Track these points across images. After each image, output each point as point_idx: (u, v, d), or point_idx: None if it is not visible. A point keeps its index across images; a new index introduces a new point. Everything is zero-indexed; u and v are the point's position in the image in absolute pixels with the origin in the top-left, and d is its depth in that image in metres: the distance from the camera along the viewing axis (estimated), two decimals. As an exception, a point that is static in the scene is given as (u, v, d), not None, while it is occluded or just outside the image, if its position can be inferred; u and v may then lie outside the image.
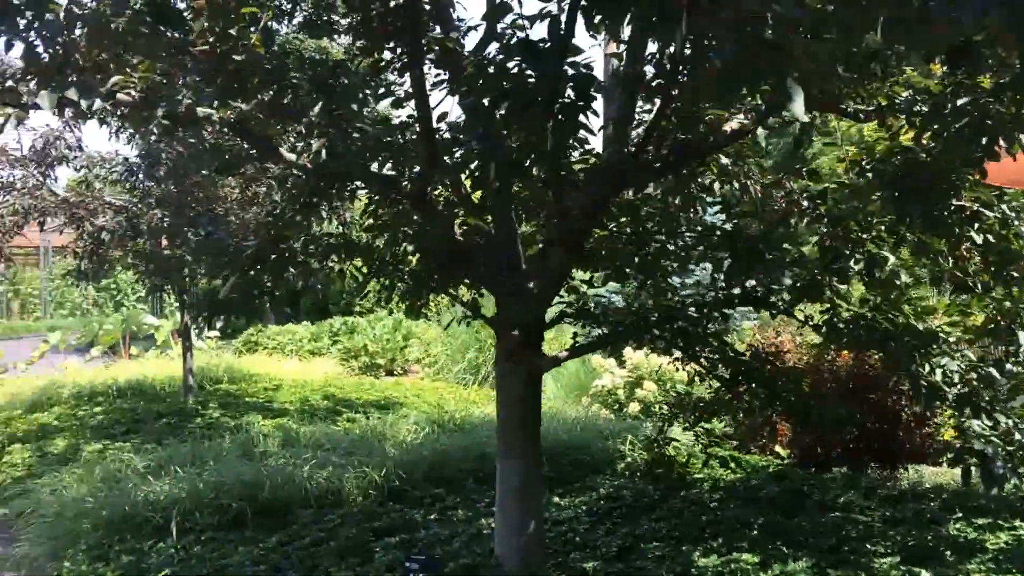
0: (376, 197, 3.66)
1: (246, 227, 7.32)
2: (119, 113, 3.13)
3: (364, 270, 3.90)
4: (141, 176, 6.96)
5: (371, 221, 4.06)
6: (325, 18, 4.20)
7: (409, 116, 3.26)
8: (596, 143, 5.68)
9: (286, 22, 4.54)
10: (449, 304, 14.44)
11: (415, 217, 3.84)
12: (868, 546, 4.64)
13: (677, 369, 7.83)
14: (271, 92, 3.28)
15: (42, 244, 24.34)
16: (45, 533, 4.91)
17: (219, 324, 3.86)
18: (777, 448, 6.77)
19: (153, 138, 6.76)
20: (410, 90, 3.13)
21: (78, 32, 3.02)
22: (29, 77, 2.90)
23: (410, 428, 6.91)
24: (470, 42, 5.36)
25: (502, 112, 2.87)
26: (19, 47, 2.99)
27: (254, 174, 7.64)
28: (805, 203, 4.03)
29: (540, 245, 4.21)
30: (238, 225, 7.35)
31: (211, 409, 8.20)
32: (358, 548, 4.49)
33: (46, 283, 24.34)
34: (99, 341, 12.11)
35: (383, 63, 3.09)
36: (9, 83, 2.90)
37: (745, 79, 1.82)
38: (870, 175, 3.73)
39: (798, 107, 1.79)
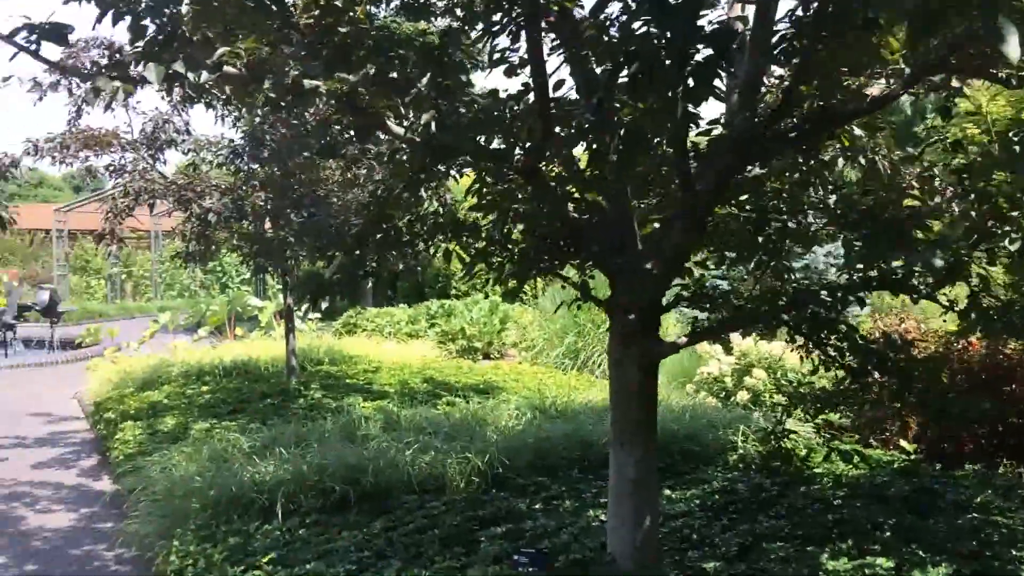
0: (484, 173, 3.48)
1: (347, 209, 7.29)
2: (225, 89, 3.01)
3: (472, 250, 3.73)
4: (245, 158, 7.00)
5: (476, 200, 3.89)
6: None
7: (524, 84, 3.07)
8: (709, 113, 5.37)
9: (383, 5, 4.41)
10: (545, 287, 14.31)
11: (525, 194, 3.66)
12: (1013, 552, 4.24)
13: (794, 358, 7.48)
14: (378, 64, 3.13)
15: (153, 228, 25.26)
16: (155, 511, 4.96)
17: (324, 306, 3.76)
18: (902, 442, 6.35)
19: (257, 119, 6.78)
20: (525, 56, 2.94)
21: (184, 7, 2.94)
22: (136, 50, 2.82)
23: (511, 413, 6.77)
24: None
25: (624, 78, 2.64)
26: (126, 21, 2.92)
27: (355, 155, 7.61)
28: (939, 179, 3.67)
29: (655, 224, 3.97)
30: (339, 207, 7.32)
31: (313, 390, 8.25)
32: (463, 537, 4.36)
33: (157, 265, 25.28)
34: (206, 322, 12.42)
35: (495, 27, 2.90)
36: (117, 57, 2.82)
37: (942, 19, 1.55)
38: (1017, 147, 3.35)
39: (1012, 48, 1.51)
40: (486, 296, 14.98)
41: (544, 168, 3.46)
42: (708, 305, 3.88)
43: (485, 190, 3.85)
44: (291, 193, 7.28)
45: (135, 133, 7.51)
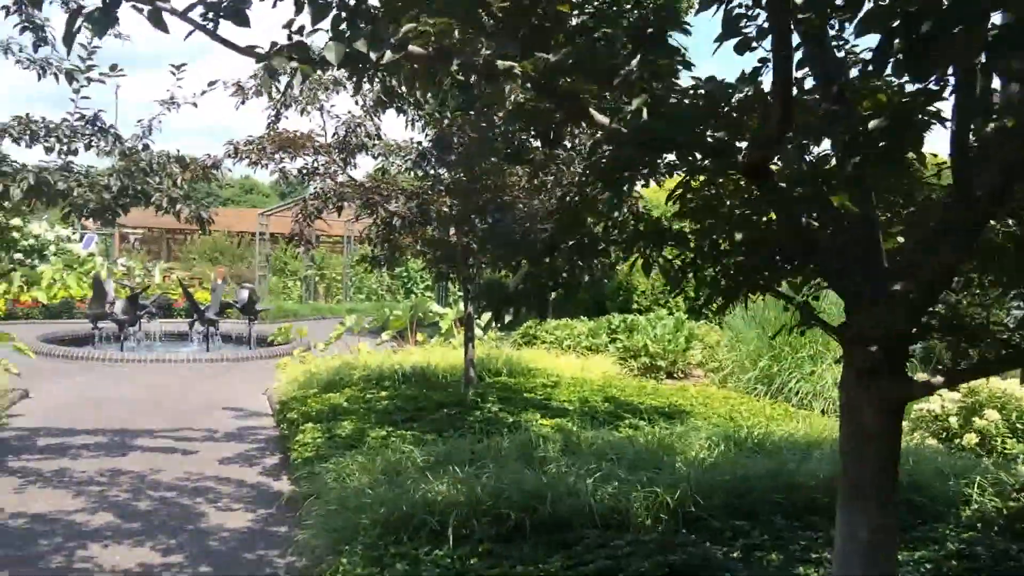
0: (695, 172, 2.97)
1: (533, 216, 6.95)
2: (413, 84, 2.68)
3: (678, 262, 3.22)
4: (432, 162, 6.84)
5: (678, 205, 3.39)
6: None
7: (760, 60, 2.55)
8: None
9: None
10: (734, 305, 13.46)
11: (741, 198, 3.11)
12: None
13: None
14: (581, 45, 2.70)
15: (346, 232, 26.31)
16: (327, 523, 4.77)
17: (507, 318, 3.38)
18: None
19: (446, 121, 6.59)
20: (765, 24, 2.42)
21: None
22: (315, 30, 2.54)
23: (702, 443, 6.17)
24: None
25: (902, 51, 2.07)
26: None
27: (542, 161, 7.27)
28: None
29: (898, 238, 3.31)
30: (525, 214, 6.99)
31: (490, 403, 7.98)
32: (651, 587, 3.85)
33: (347, 269, 26.28)
34: (389, 326, 12.56)
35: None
36: (297, 38, 2.55)
37: None
38: None
39: None
40: (670, 312, 14.31)
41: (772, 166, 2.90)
42: (970, 336, 3.17)
43: (691, 195, 3.34)
44: (476, 199, 7.04)
45: (328, 137, 7.54)
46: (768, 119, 2.51)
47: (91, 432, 8.61)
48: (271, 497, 6.47)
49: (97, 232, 36.16)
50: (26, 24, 6.19)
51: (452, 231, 7.40)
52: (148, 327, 16.08)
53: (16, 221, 20.61)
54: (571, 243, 3.34)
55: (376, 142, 7.80)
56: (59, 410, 9.72)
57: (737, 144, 2.81)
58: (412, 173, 7.91)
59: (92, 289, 15.33)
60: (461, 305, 13.52)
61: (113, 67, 6.71)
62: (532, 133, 7.42)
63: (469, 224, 6.90)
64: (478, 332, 13.26)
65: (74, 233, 24.15)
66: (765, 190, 2.76)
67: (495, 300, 3.28)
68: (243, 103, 7.62)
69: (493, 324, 4.24)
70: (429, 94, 6.58)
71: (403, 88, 7.07)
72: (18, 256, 20.20)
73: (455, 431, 6.94)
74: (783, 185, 2.86)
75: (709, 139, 2.69)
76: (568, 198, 4.02)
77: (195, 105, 7.59)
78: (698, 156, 2.78)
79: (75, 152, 7.07)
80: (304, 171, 7.11)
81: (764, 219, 3.09)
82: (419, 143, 7.67)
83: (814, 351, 9.93)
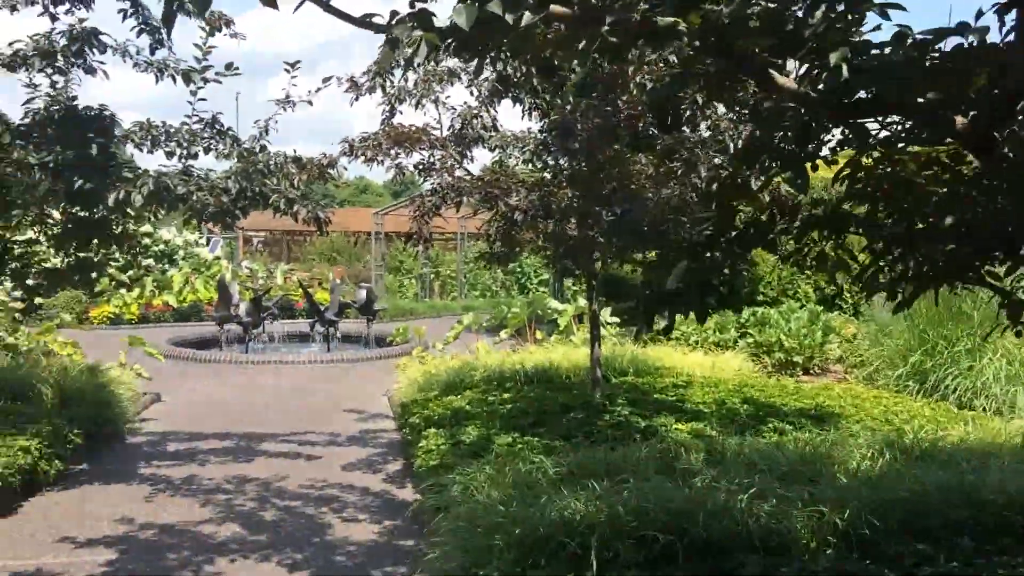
0: (909, 140, 2.45)
1: (663, 206, 6.46)
2: (543, 41, 2.27)
3: (870, 251, 2.71)
4: (552, 151, 6.43)
5: (857, 184, 2.86)
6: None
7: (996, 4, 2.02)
8: None
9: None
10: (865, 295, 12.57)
11: (948, 172, 2.57)
12: None
13: None
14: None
15: (460, 230, 26.26)
16: (457, 542, 4.44)
17: (663, 324, 2.93)
18: None
19: (568, 106, 6.18)
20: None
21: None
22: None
23: (862, 451, 5.55)
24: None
25: None
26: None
27: (671, 147, 6.77)
28: None
29: None
30: (654, 204, 6.51)
31: (619, 405, 7.53)
32: (829, 627, 3.34)
33: (462, 266, 26.25)
34: (507, 324, 12.27)
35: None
36: (420, 5, 2.18)
37: None
38: None
39: None
40: (800, 303, 13.48)
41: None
42: None
43: (865, 173, 2.82)
44: (599, 189, 6.60)
45: (444, 131, 7.25)
46: (1005, 76, 1.98)
47: (218, 436, 8.63)
48: (396, 507, 6.22)
49: (222, 236, 37.57)
50: (143, 26, 6.13)
51: (573, 224, 6.98)
52: (271, 328, 16.34)
53: (147, 228, 21.43)
54: (734, 234, 2.87)
55: (492, 134, 7.46)
56: (188, 413, 9.84)
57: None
58: (531, 165, 7.53)
59: (218, 292, 15.68)
60: (580, 301, 13.11)
61: (229, 66, 6.60)
62: (654, 118, 6.95)
63: (593, 216, 6.46)
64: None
65: (200, 237, 24.99)
66: (994, 166, 2.22)
67: (649, 301, 2.84)
68: (356, 99, 7.41)
69: (645, 330, 3.86)
70: (550, 79, 6.18)
71: (520, 74, 6.71)
72: (149, 261, 20.98)
73: (584, 437, 6.53)
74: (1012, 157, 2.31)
75: (922, 101, 2.17)
76: (721, 178, 3.53)
77: (310, 103, 7.44)
78: (905, 123, 2.26)
79: (195, 156, 7.01)
80: (420, 167, 6.84)
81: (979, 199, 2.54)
82: (537, 133, 7.28)
83: (972, 344, 9.02)
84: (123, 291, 19.75)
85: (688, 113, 7.41)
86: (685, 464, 5.32)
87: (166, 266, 21.62)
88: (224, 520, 5.87)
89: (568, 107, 6.51)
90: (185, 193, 6.07)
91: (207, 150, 7.13)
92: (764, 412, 7.35)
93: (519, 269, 29.70)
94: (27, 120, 6.58)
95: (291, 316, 19.75)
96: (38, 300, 19.13)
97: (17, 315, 19.08)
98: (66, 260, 7.22)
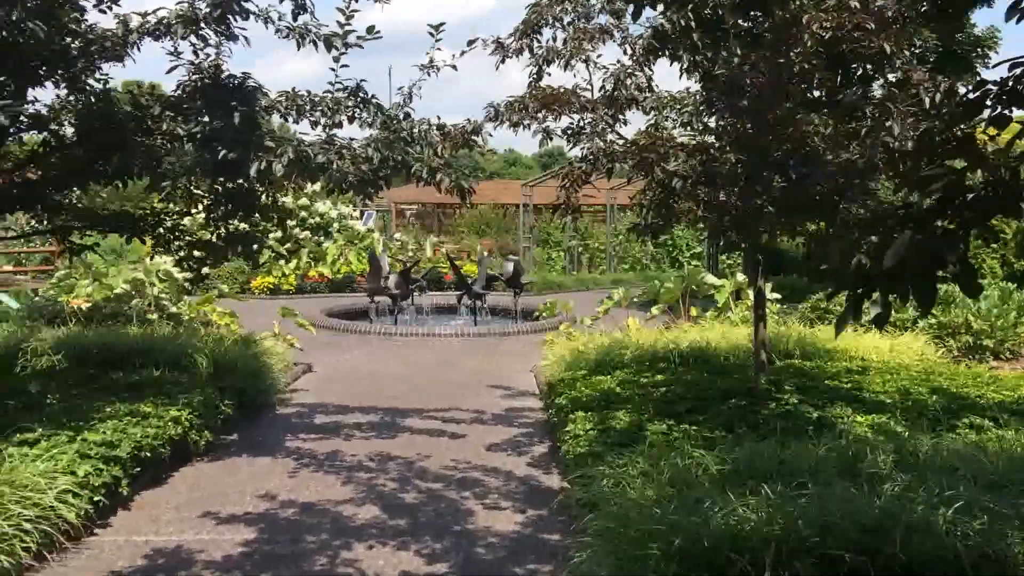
0: None
1: (844, 171, 5.70)
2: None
3: None
4: (717, 109, 5.78)
5: None
6: None
7: None
8: None
9: None
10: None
11: None
12: None
13: None
14: None
15: (608, 201, 25.63)
16: (608, 545, 3.98)
17: (874, 312, 2.34)
18: None
19: (735, 59, 5.51)
20: None
21: None
22: None
23: (1090, 459, 4.68)
24: None
25: None
26: None
27: (854, 103, 5.99)
28: None
29: None
30: (833, 170, 5.75)
31: (786, 393, 6.82)
32: None
33: (611, 238, 25.63)
34: (660, 299, 11.65)
35: None
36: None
37: None
38: None
39: None
40: (985, 279, 12.12)
41: None
42: None
43: None
44: (769, 153, 5.90)
45: (594, 92, 6.72)
46: None
47: (364, 410, 8.54)
48: (541, 495, 5.83)
49: (376, 209, 38.51)
50: (284, -9, 5.93)
51: (737, 192, 6.30)
52: (419, 300, 16.38)
53: (303, 201, 22.05)
54: (970, 198, 2.23)
55: (647, 95, 6.86)
56: (336, 385, 9.85)
57: None
58: (689, 128, 6.90)
59: (369, 264, 15.82)
60: (739, 276, 12.28)
61: (370, 29, 6.32)
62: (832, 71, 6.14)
63: (762, 183, 5.78)
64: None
65: (354, 210, 25.53)
66: None
67: (855, 283, 2.25)
68: (503, 61, 7.00)
69: (851, 318, 3.32)
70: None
71: (678, 29, 6.08)
72: (305, 234, 21.56)
73: (749, 428, 5.90)
74: None
75: None
76: (934, 132, 2.86)
77: (454, 68, 7.09)
78: None
79: (339, 125, 6.80)
80: (568, 131, 6.35)
81: None
82: (698, 94, 6.63)
83: None
84: (281, 262, 20.39)
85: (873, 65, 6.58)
86: (871, 466, 4.63)
87: (321, 238, 22.16)
88: (364, 501, 5.66)
89: (734, 61, 5.84)
90: (325, 162, 5.85)
91: (351, 119, 6.91)
92: (957, 405, 6.45)
93: (670, 242, 28.73)
94: (177, 92, 6.57)
95: (439, 288, 19.81)
96: (205, 271, 19.99)
97: (187, 285, 20.05)
98: (215, 233, 7.21)
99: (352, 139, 6.69)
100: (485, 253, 18.48)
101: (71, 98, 6.53)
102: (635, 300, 11.82)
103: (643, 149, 5.78)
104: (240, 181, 6.09)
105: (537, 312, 14.51)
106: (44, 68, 6.19)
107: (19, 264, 20.22)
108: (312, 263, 20.56)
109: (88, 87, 6.47)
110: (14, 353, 8.08)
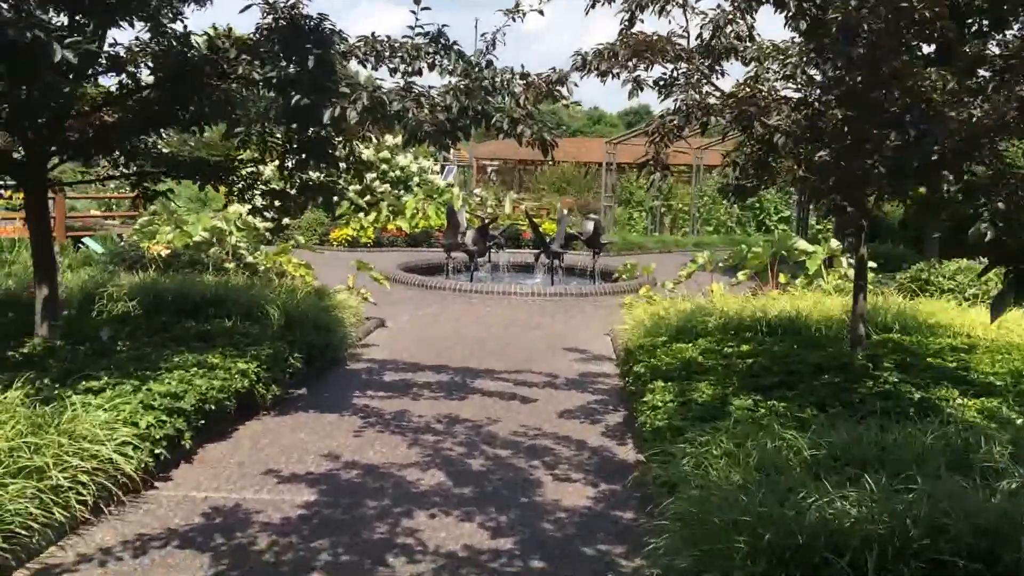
0: None
1: (969, 129, 5.11)
2: None
3: None
4: (828, 58, 5.23)
5: None
6: None
7: None
8: None
9: None
10: None
11: None
12: None
13: None
14: None
15: (694, 161, 24.84)
16: (687, 535, 3.65)
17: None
18: None
19: (851, 2, 4.96)
20: None
21: None
22: None
23: None
24: None
25: None
26: None
27: (977, 55, 5.39)
28: None
29: None
30: (956, 128, 5.17)
31: (885, 370, 6.31)
32: None
33: (696, 200, 24.85)
34: (746, 264, 11.10)
35: None
36: None
37: None
38: None
39: None
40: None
41: None
42: None
43: None
44: (884, 108, 5.34)
45: (691, 40, 6.23)
46: None
47: (435, 368, 8.35)
48: (614, 469, 5.52)
49: (457, 163, 38.35)
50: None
51: (843, 151, 5.76)
52: (496, 257, 16.13)
53: (384, 154, 21.94)
54: None
55: (747, 45, 6.34)
56: (408, 341, 9.69)
57: None
58: (792, 80, 6.36)
59: (447, 219, 15.61)
60: (832, 242, 11.61)
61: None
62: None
63: (873, 141, 5.23)
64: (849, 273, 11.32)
65: (435, 164, 25.36)
66: None
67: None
68: (592, 6, 6.58)
69: (1004, 303, 2.91)
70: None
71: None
72: (385, 187, 21.48)
73: (844, 407, 5.45)
74: None
75: None
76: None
77: (541, 13, 6.68)
78: None
79: (419, 72, 6.48)
80: (661, 82, 5.90)
81: None
82: (803, 45, 6.07)
83: None
84: (360, 215, 20.37)
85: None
86: (985, 458, 4.17)
87: (401, 192, 22.05)
88: (429, 465, 5.45)
89: (851, 3, 5.27)
90: (401, 110, 5.55)
91: (431, 66, 6.58)
92: (1079, 392, 5.86)
93: (757, 204, 27.71)
94: (255, 35, 6.34)
95: (516, 246, 19.52)
96: (285, 221, 20.09)
97: (267, 235, 20.24)
98: (289, 183, 7.03)
99: (431, 87, 6.38)
100: (565, 211, 18.05)
101: (152, 42, 6.37)
102: (720, 265, 11.30)
103: (742, 102, 5.30)
104: (315, 128, 5.83)
105: (616, 274, 14.08)
106: (122, 8, 6.03)
107: (108, 209, 20.70)
108: (391, 216, 20.50)
109: (168, 30, 6.30)
110: (91, 298, 8.11)
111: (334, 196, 7.78)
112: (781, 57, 6.40)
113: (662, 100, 5.71)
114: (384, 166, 22.03)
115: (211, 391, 5.67)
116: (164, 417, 5.11)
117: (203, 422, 5.52)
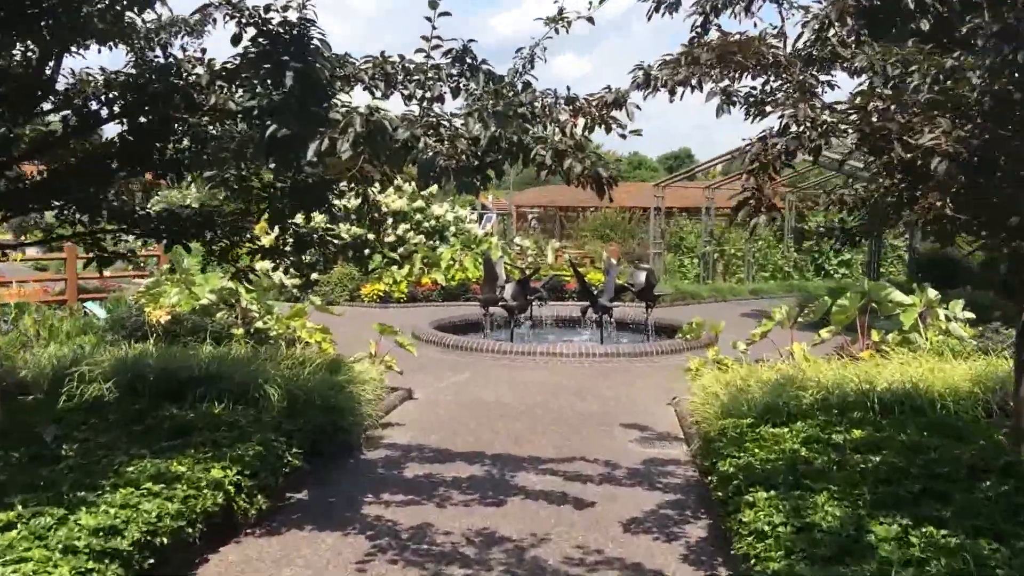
0: None
1: None
2: None
3: None
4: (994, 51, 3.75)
5: None
6: None
7: None
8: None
9: None
10: None
11: None
12: None
13: None
14: None
15: (747, 203, 23.26)
16: None
17: None
18: None
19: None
20: None
21: None
22: None
23: None
24: None
25: None
26: None
27: None
28: None
29: None
30: None
31: (1065, 473, 4.70)
32: None
33: (750, 244, 23.23)
34: (831, 320, 9.52)
35: None
36: None
37: None
38: None
39: None
40: None
41: None
42: None
43: None
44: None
45: (788, 45, 4.82)
46: None
47: (467, 457, 6.89)
48: (711, 626, 3.99)
49: (496, 212, 37.19)
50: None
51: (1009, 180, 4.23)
52: (539, 312, 14.69)
53: (419, 203, 20.74)
54: None
55: (856, 51, 4.90)
56: (438, 418, 8.26)
57: None
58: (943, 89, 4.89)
59: (484, 271, 14.25)
60: (930, 292, 9.98)
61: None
62: None
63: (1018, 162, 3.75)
64: (952, 324, 9.70)
65: (471, 212, 24.16)
66: None
67: None
68: (657, 11, 5.24)
69: None
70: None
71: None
72: (419, 237, 20.23)
73: (1014, 524, 3.88)
74: None
75: None
76: None
77: (590, 20, 5.34)
78: None
79: (440, 99, 5.11)
80: (751, 97, 4.49)
81: None
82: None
83: None
84: (394, 268, 19.11)
85: None
86: None
87: (436, 243, 20.80)
88: (455, 623, 3.97)
89: None
90: (408, 138, 4.17)
91: (455, 91, 5.22)
92: None
93: (816, 247, 26.00)
94: (235, 59, 5.05)
95: (560, 298, 18.09)
96: (314, 276, 18.81)
97: (295, 291, 18.96)
98: (281, 238, 5.70)
99: (454, 114, 5.01)
100: (613, 261, 16.61)
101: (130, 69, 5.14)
102: (799, 320, 9.75)
103: (882, 114, 3.84)
104: (298, 167, 4.50)
105: (680, 334, 12.21)
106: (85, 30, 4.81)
107: (138, 268, 19.62)
108: (425, 269, 19.19)
109: (154, 61, 5.09)
110: (61, 378, 6.84)
111: (345, 252, 6.46)
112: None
113: (753, 120, 4.28)
114: (418, 216, 20.82)
115: (165, 518, 4.26)
116: (90, 565, 3.71)
117: (151, 561, 4.11)
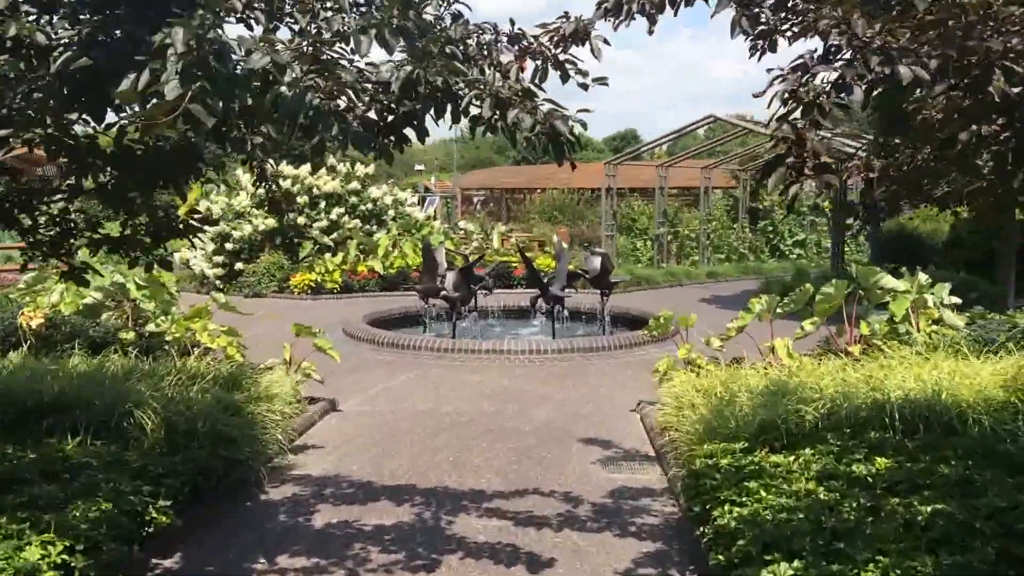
0: None
1: None
2: None
3: None
4: None
5: None
6: None
7: None
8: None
9: None
10: None
11: None
12: None
13: None
14: None
15: (701, 182, 22.27)
16: None
17: None
18: None
19: None
20: None
21: None
22: None
23: None
24: None
25: None
26: None
27: None
28: None
29: None
30: None
31: None
32: None
33: (705, 225, 22.18)
34: (816, 310, 8.38)
35: None
36: None
37: None
38: None
39: None
40: None
41: None
42: None
43: None
44: None
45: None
46: None
47: (396, 493, 5.55)
48: None
49: (440, 194, 35.64)
50: None
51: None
52: (484, 301, 13.34)
53: (354, 185, 19.20)
54: None
55: None
56: (364, 436, 6.89)
57: None
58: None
59: (422, 259, 12.85)
60: (922, 276, 8.90)
61: None
62: None
63: None
64: (948, 315, 8.65)
65: (413, 195, 22.67)
66: None
67: None
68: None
69: None
70: None
71: None
72: (355, 222, 18.66)
73: None
74: None
75: None
76: None
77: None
78: None
79: (341, 37, 3.71)
80: (773, 19, 3.20)
81: None
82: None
83: None
84: (326, 256, 17.57)
85: None
86: None
87: (374, 227, 19.26)
88: None
89: None
90: (269, 67, 2.77)
91: (363, 30, 3.79)
92: None
93: (770, 228, 25.08)
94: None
95: (508, 285, 16.81)
96: (239, 266, 17.13)
97: (219, 283, 17.21)
98: (131, 223, 4.24)
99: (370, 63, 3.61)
100: (564, 245, 15.34)
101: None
102: (780, 311, 8.59)
103: (964, 33, 2.58)
104: (103, 113, 3.07)
105: (646, 330, 10.64)
106: None
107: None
108: (361, 256, 17.68)
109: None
110: None
111: (273, 237, 5.00)
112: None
113: (791, 41, 2.99)
114: (353, 199, 19.26)
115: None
116: None
117: None
